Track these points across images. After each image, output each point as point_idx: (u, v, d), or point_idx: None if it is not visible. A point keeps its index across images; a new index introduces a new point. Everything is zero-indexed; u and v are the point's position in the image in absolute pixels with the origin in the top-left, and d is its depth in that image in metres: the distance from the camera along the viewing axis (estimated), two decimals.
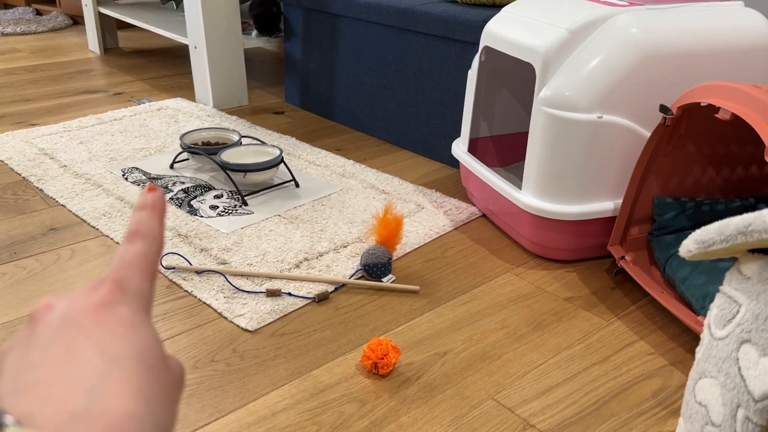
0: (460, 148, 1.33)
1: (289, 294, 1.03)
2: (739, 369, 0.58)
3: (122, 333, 0.25)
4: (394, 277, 1.08)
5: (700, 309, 0.93)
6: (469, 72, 1.28)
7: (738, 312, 0.59)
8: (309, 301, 1.02)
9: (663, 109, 0.97)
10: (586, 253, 1.15)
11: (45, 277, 1.07)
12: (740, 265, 0.60)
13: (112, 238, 1.18)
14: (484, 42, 1.22)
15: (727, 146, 1.08)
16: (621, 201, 1.08)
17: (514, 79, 1.34)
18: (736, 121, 0.86)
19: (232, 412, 0.81)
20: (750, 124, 0.82)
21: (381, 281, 1.07)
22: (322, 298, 1.02)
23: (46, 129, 1.70)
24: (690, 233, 1.08)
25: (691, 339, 0.95)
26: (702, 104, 0.93)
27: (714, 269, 0.97)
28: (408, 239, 1.19)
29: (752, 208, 1.10)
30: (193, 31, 1.85)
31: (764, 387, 0.56)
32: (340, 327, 0.97)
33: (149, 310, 0.28)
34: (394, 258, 1.12)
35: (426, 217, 1.28)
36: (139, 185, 1.38)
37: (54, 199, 1.33)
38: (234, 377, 0.87)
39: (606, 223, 1.11)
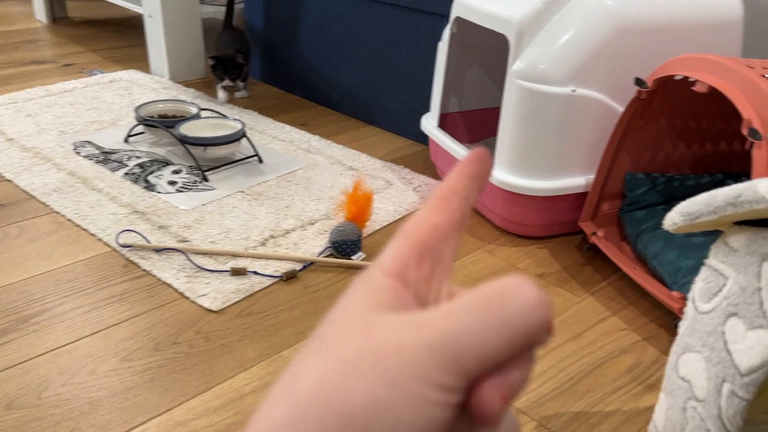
0: (430, 123, 1.30)
1: (255, 273, 0.98)
2: (726, 343, 0.57)
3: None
4: (365, 255, 1.05)
5: (672, 284, 0.93)
6: (440, 44, 1.25)
7: (725, 285, 0.58)
8: (276, 279, 0.98)
9: (638, 82, 0.95)
10: (557, 229, 1.14)
11: None
12: (726, 237, 0.59)
13: (63, 215, 1.12)
14: (455, 12, 1.19)
15: (698, 121, 1.08)
16: (593, 176, 1.07)
17: (486, 52, 1.31)
18: (709, 96, 0.85)
19: (197, 396, 0.77)
20: (727, 97, 0.81)
21: (351, 259, 1.03)
22: (289, 277, 0.98)
23: None
24: (660, 209, 1.08)
25: (664, 314, 0.95)
26: (676, 77, 0.91)
27: (686, 244, 0.97)
28: (377, 216, 1.15)
29: (721, 183, 1.10)
30: None
31: (751, 360, 0.55)
32: (309, 306, 0.93)
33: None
34: (364, 235, 1.09)
35: (395, 194, 1.25)
36: (91, 160, 1.31)
37: (0, 174, 1.25)
38: (198, 359, 0.82)
39: (578, 198, 1.10)
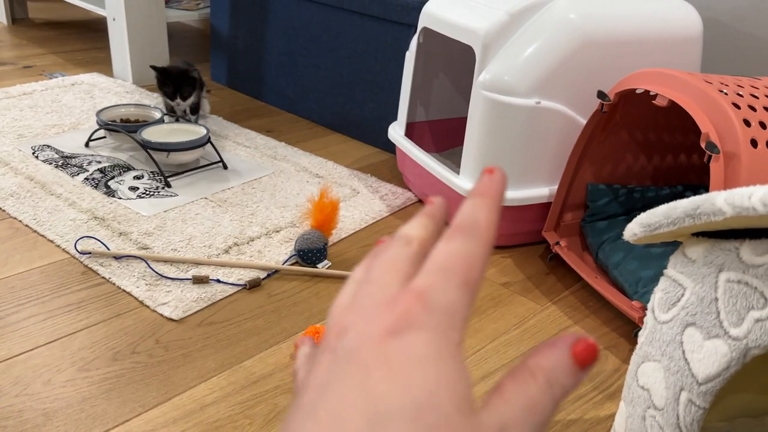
0: (396, 132, 1.30)
1: (218, 281, 0.97)
2: (684, 352, 0.58)
3: (405, 376, 0.19)
4: (330, 263, 1.04)
5: (632, 294, 0.94)
6: (407, 54, 1.25)
7: (683, 295, 0.59)
8: (239, 288, 0.97)
9: (600, 95, 0.97)
10: (521, 238, 1.15)
11: None
12: (685, 248, 0.60)
13: (20, 221, 1.08)
14: (422, 23, 1.19)
15: (658, 134, 1.10)
16: (556, 187, 1.08)
17: (452, 62, 1.32)
18: (669, 109, 0.87)
19: (156, 407, 0.75)
20: (686, 111, 0.83)
21: (316, 267, 1.02)
22: (253, 285, 0.97)
23: None
24: (622, 219, 1.10)
25: (624, 324, 0.97)
26: (638, 91, 0.93)
27: (646, 255, 0.99)
28: (343, 224, 1.15)
29: (680, 195, 1.13)
30: (112, 1, 1.73)
31: (708, 369, 0.56)
32: (273, 315, 0.92)
33: (460, 331, 0.21)
34: (330, 243, 1.08)
35: (362, 202, 1.25)
36: (50, 164, 1.28)
37: None
38: (157, 369, 0.80)
39: (541, 208, 1.11)
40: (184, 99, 1.41)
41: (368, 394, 0.18)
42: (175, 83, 1.39)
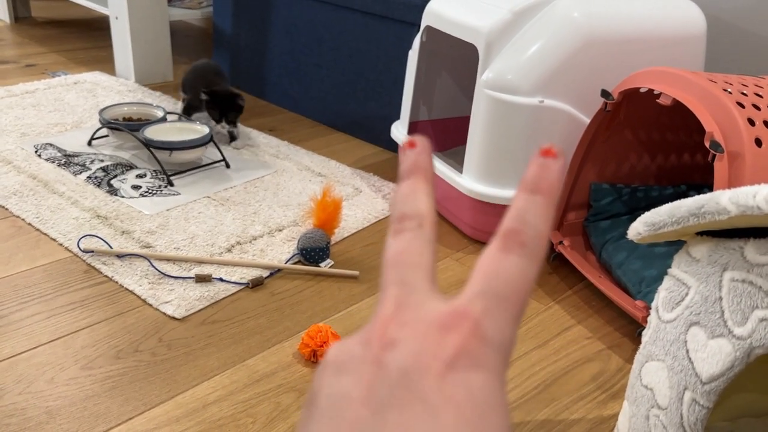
0: (399, 131, 1.30)
1: (221, 279, 0.97)
2: (687, 351, 0.58)
3: (473, 423, 0.18)
4: (333, 262, 1.04)
5: (636, 293, 0.94)
6: (410, 53, 1.25)
7: (687, 294, 0.59)
8: (242, 287, 0.97)
9: (604, 94, 0.97)
10: None
11: None
12: (689, 247, 0.60)
13: (23, 219, 1.08)
14: (425, 21, 1.19)
15: (662, 133, 1.10)
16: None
17: (456, 61, 1.32)
18: (673, 108, 0.86)
19: (159, 405, 0.75)
20: (690, 110, 0.82)
21: (319, 266, 1.02)
22: (256, 284, 0.97)
23: None
24: (625, 219, 1.10)
25: (628, 323, 0.96)
26: (641, 90, 0.93)
27: (650, 254, 0.98)
28: (346, 223, 1.15)
29: (684, 195, 1.12)
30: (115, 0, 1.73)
31: (712, 369, 0.55)
32: (275, 314, 0.92)
33: (507, 366, 0.20)
34: (332, 242, 1.08)
35: (364, 201, 1.25)
36: (53, 162, 1.28)
37: None
38: (160, 368, 0.80)
39: None
40: (230, 124, 1.40)
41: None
42: (222, 108, 1.37)
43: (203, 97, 1.36)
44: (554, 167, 0.22)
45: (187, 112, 1.48)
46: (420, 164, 0.24)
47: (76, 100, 1.62)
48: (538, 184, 0.22)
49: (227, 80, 1.49)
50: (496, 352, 0.19)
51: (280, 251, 1.05)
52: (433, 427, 0.18)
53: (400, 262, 0.22)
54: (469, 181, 1.10)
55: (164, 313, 0.90)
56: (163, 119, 1.38)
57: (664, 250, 0.98)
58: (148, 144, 1.26)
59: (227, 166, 1.33)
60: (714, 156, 0.79)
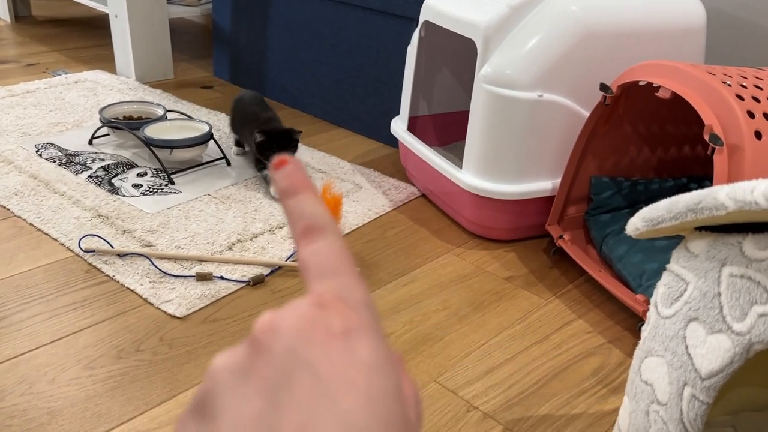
0: (399, 127, 1.30)
1: (222, 278, 0.97)
2: (686, 347, 0.58)
3: (365, 390, 0.19)
4: None
5: (637, 287, 0.94)
6: (409, 48, 1.25)
7: (685, 290, 0.59)
8: (243, 284, 0.97)
9: (603, 87, 0.96)
10: (524, 232, 1.15)
11: None
12: (688, 242, 0.60)
13: (24, 219, 1.09)
14: (424, 16, 1.19)
15: (662, 126, 1.09)
16: (559, 180, 1.08)
17: (455, 56, 1.31)
18: (672, 101, 0.86)
19: (161, 404, 0.75)
20: (689, 103, 0.82)
21: None
22: (257, 282, 0.97)
23: None
24: (625, 212, 1.10)
25: (629, 317, 0.96)
26: (641, 83, 0.93)
27: (651, 248, 0.98)
28: (347, 220, 1.15)
29: (685, 187, 1.12)
30: None
31: (711, 365, 0.55)
32: None
33: (381, 327, 0.21)
34: None
35: (365, 197, 1.25)
36: (54, 162, 1.28)
37: None
38: (162, 367, 0.81)
39: (544, 202, 1.10)
40: None
41: (338, 413, 0.18)
42: (279, 147, 1.24)
43: (258, 138, 1.21)
44: (293, 169, 0.25)
45: (240, 145, 1.38)
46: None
47: (76, 99, 1.62)
48: (293, 186, 0.24)
49: (272, 110, 1.35)
50: (367, 310, 0.21)
51: (281, 249, 1.05)
52: (330, 405, 0.18)
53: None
54: (469, 176, 1.10)
55: (165, 312, 0.90)
56: (164, 117, 1.38)
57: (665, 244, 0.98)
58: (149, 142, 1.26)
59: (228, 163, 1.33)
60: (713, 149, 0.78)
